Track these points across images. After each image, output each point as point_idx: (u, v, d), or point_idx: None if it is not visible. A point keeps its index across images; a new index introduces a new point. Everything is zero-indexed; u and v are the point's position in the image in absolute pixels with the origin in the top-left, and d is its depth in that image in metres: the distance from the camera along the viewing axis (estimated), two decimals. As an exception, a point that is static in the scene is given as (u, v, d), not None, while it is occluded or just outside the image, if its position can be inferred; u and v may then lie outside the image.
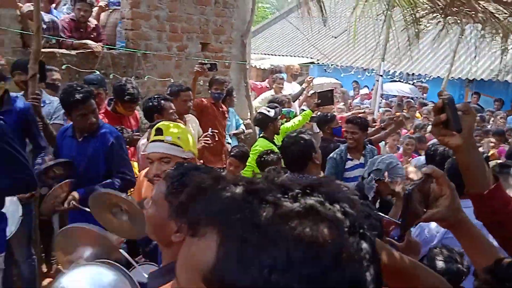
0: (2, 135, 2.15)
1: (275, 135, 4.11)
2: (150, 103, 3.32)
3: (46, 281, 3.73)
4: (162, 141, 1.71)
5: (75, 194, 2.60)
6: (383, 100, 9.81)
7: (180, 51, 5.73)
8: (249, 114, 6.52)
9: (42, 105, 3.41)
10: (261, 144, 3.90)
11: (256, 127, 5.11)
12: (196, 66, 4.46)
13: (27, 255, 3.22)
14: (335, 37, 14.09)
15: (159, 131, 1.74)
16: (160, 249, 1.21)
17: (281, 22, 16.68)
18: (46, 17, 4.59)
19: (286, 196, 0.47)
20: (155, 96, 3.42)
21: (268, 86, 6.91)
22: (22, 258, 3.19)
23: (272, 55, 14.15)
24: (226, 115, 5.01)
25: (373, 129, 4.73)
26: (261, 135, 4.21)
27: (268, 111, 4.02)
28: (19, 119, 2.94)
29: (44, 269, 4.01)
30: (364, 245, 0.46)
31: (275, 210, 0.44)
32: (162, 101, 3.30)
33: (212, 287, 0.44)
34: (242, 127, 5.86)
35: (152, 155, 1.72)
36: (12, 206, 2.65)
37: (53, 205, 2.59)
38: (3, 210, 2.30)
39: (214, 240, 0.45)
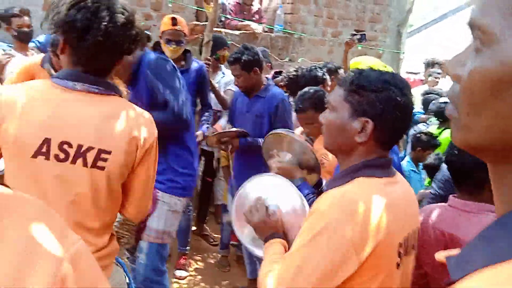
0: (162, 67, 2.19)
1: None
2: (317, 73, 3.30)
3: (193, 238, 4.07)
4: None
5: (237, 141, 2.84)
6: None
7: (334, 37, 5.75)
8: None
9: (222, 75, 3.79)
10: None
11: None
12: (347, 38, 4.35)
13: (186, 206, 3.56)
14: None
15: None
16: (339, 162, 1.22)
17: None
18: (218, -1, 5.05)
19: None
20: (321, 66, 3.45)
21: (422, 79, 6.52)
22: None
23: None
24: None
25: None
26: None
27: None
28: (195, 78, 3.27)
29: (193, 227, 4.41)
30: None
31: None
32: (326, 74, 3.33)
33: None
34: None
35: None
36: None
37: (217, 140, 2.84)
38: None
39: None
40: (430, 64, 6.28)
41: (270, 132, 1.88)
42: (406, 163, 3.64)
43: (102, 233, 1.37)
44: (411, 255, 1.22)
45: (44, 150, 1.22)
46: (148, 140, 1.35)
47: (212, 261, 3.76)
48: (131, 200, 1.42)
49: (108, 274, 1.39)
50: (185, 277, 3.41)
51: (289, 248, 1.34)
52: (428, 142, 3.46)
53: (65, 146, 1.23)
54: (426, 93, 4.97)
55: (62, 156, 1.24)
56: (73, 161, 1.25)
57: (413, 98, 1.17)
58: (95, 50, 1.24)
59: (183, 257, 3.53)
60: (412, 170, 3.61)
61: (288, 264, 1.06)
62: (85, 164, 1.26)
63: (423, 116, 4.68)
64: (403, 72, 6.63)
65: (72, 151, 1.24)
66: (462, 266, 0.47)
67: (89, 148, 1.25)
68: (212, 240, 4.04)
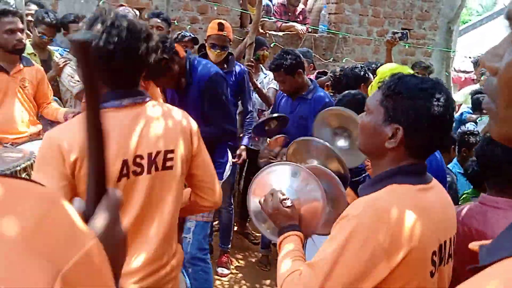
0: (222, 86, 2.52)
1: None
2: (358, 72, 3.28)
3: (235, 236, 4.15)
4: None
5: (285, 150, 2.85)
6: None
7: (380, 36, 5.64)
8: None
9: (264, 75, 3.87)
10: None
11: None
12: (388, 36, 4.24)
13: (228, 203, 3.63)
14: None
15: None
16: (370, 165, 1.23)
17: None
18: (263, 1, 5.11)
19: None
20: (362, 66, 3.41)
21: (473, 78, 6.26)
22: (224, 204, 3.61)
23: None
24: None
25: None
26: None
27: None
28: (236, 80, 3.34)
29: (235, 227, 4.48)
30: None
31: None
32: (369, 72, 3.30)
33: None
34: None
35: None
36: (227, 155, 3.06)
37: (268, 158, 2.87)
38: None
39: None
40: (480, 63, 6.00)
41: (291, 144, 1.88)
42: (453, 165, 3.52)
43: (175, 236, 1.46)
44: (448, 264, 1.18)
45: (124, 172, 1.29)
46: (194, 127, 1.47)
47: (253, 260, 3.82)
48: (207, 185, 1.50)
49: (177, 282, 1.47)
50: (227, 275, 3.49)
51: (305, 238, 1.35)
52: (472, 142, 3.34)
53: (138, 160, 1.31)
54: (476, 92, 4.76)
55: (138, 170, 1.31)
56: (149, 171, 1.32)
57: (452, 107, 1.13)
58: (124, 68, 1.29)
59: (225, 255, 3.61)
60: (460, 173, 3.48)
61: (317, 270, 1.05)
62: (156, 169, 1.34)
63: (471, 116, 4.49)
64: (453, 71, 6.37)
65: (145, 162, 1.32)
66: (492, 254, 0.47)
67: (157, 153, 1.33)
68: (253, 239, 4.10)
